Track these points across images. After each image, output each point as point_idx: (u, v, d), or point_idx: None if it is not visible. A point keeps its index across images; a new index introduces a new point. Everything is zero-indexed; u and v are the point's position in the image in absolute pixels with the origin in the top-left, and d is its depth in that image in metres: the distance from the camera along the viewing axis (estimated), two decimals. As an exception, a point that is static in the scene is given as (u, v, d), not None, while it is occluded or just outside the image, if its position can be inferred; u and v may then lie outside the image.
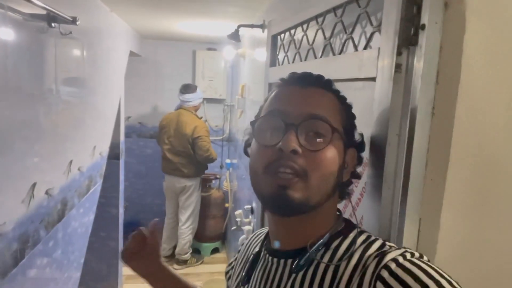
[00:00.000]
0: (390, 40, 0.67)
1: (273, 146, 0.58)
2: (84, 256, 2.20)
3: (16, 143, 1.33)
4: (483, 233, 0.64)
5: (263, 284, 0.65)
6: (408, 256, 0.51)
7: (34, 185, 1.45)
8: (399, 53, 0.65)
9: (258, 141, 0.62)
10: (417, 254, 0.52)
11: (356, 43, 0.88)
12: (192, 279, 3.66)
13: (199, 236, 4.01)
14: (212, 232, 4.09)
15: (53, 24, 1.53)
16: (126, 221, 3.52)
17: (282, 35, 1.35)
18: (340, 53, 0.92)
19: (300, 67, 1.00)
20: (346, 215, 0.74)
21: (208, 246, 4.09)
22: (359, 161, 0.67)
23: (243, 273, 0.72)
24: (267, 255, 0.67)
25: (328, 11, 0.94)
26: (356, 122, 0.66)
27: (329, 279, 0.56)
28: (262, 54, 2.30)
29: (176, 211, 3.82)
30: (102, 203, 2.77)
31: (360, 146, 0.66)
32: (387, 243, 0.57)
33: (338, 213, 0.66)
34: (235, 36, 2.44)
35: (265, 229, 0.76)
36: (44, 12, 1.43)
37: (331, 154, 0.58)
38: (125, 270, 3.53)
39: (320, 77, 0.65)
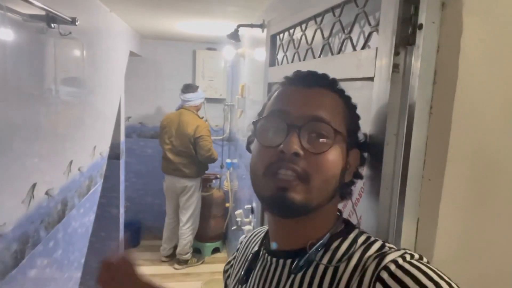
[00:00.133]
0: (388, 40, 0.67)
1: (275, 147, 0.57)
2: (84, 256, 2.21)
3: (15, 143, 1.33)
4: (481, 232, 0.64)
5: (262, 284, 0.64)
6: (408, 257, 0.51)
7: (34, 185, 1.45)
8: (396, 53, 0.65)
9: (259, 141, 0.61)
10: (416, 256, 0.52)
11: (355, 42, 0.88)
12: (193, 279, 3.68)
13: (200, 236, 4.01)
14: (212, 232, 4.09)
15: (52, 25, 1.54)
16: (126, 221, 3.52)
17: (281, 35, 1.35)
18: (338, 53, 0.92)
19: (299, 67, 1.00)
20: (345, 214, 0.74)
21: (209, 246, 4.09)
22: (362, 161, 0.67)
23: (242, 272, 0.71)
24: (266, 254, 0.66)
25: (326, 11, 0.94)
26: (355, 122, 0.66)
27: (328, 280, 0.56)
28: (261, 54, 2.30)
29: (177, 211, 3.82)
30: (103, 203, 2.77)
31: (363, 147, 0.66)
32: (387, 244, 0.57)
33: (338, 213, 0.66)
34: (234, 36, 2.44)
35: (265, 228, 0.76)
36: (43, 12, 1.43)
37: (333, 157, 0.58)
38: (126, 270, 3.53)
39: (325, 76, 0.64)
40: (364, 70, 0.75)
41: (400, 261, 0.50)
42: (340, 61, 0.86)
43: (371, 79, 0.72)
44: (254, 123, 0.64)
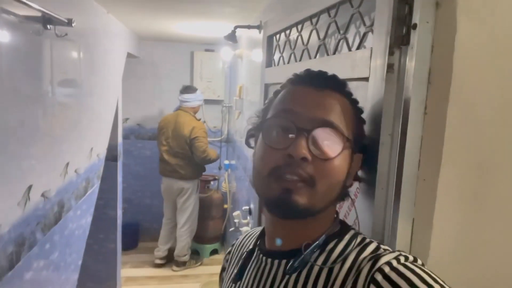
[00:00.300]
0: (382, 40, 0.67)
1: (282, 150, 0.56)
2: (81, 258, 2.20)
3: (11, 145, 1.33)
4: (477, 232, 0.64)
5: (256, 284, 0.64)
6: (402, 259, 0.51)
7: (30, 187, 1.45)
8: (391, 53, 0.65)
9: (266, 141, 0.59)
10: (411, 258, 0.52)
11: (351, 43, 0.88)
12: (191, 280, 3.67)
13: (198, 237, 4.01)
14: (211, 233, 4.08)
15: (48, 26, 1.53)
16: (124, 222, 3.51)
17: (278, 36, 1.35)
18: (334, 53, 0.92)
19: (295, 68, 1.00)
20: (341, 214, 0.74)
21: (207, 248, 4.08)
22: (363, 164, 0.66)
23: (235, 271, 0.71)
24: (261, 254, 0.66)
25: (322, 12, 0.94)
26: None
27: (322, 281, 0.56)
28: (259, 55, 2.30)
29: (174, 213, 3.80)
30: (100, 205, 2.76)
31: (365, 150, 0.65)
32: (382, 246, 0.57)
33: (335, 214, 0.66)
34: (232, 37, 2.44)
35: (260, 228, 0.76)
36: (39, 14, 1.43)
37: (340, 163, 0.57)
38: (124, 272, 3.52)
39: (334, 77, 0.63)
40: (359, 70, 0.75)
41: (395, 263, 0.50)
42: (335, 61, 0.86)
43: (366, 79, 0.72)
44: (262, 122, 0.62)
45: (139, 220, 4.35)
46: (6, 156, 1.29)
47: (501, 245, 0.64)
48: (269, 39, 1.40)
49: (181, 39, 4.00)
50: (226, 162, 4.06)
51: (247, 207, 2.59)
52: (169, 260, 3.87)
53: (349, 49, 0.85)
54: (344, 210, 0.85)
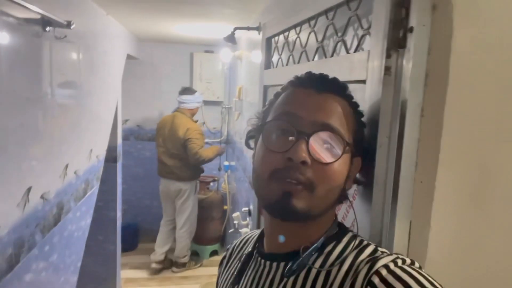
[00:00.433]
0: (380, 42, 0.67)
1: (282, 153, 0.56)
2: (81, 259, 2.20)
3: (10, 147, 1.33)
4: (474, 234, 0.64)
5: (254, 287, 0.64)
6: (400, 262, 0.51)
7: (29, 189, 1.45)
8: (388, 56, 0.65)
9: (266, 144, 0.59)
10: (408, 261, 0.52)
11: (349, 45, 0.88)
12: (191, 281, 3.67)
13: (198, 238, 4.01)
14: (210, 234, 4.08)
15: (47, 28, 1.54)
16: (124, 224, 3.51)
17: (276, 38, 1.35)
18: (332, 56, 0.92)
19: (294, 70, 1.00)
20: (339, 215, 0.74)
21: (206, 249, 4.08)
22: (362, 167, 0.66)
23: (235, 273, 0.71)
24: (259, 257, 0.66)
25: (320, 14, 0.94)
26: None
27: (320, 284, 0.56)
28: (258, 56, 2.30)
29: (173, 215, 3.78)
30: (100, 206, 2.77)
31: (365, 153, 0.65)
32: (379, 248, 0.57)
33: (333, 217, 0.65)
34: (231, 39, 2.44)
35: (258, 231, 0.76)
36: (38, 16, 1.43)
37: (339, 167, 0.57)
38: (124, 273, 3.52)
39: (336, 81, 0.63)
40: (356, 72, 0.76)
41: (392, 266, 0.50)
42: (333, 64, 0.86)
43: (363, 81, 0.72)
44: (263, 124, 0.62)
45: (138, 222, 4.35)
46: (5, 157, 1.30)
47: (498, 246, 0.64)
48: (268, 41, 1.40)
49: (181, 41, 4.00)
50: (226, 163, 4.06)
51: (247, 209, 2.59)
52: (166, 268, 3.80)
53: (347, 52, 0.85)
54: (342, 212, 0.85)
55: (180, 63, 4.33)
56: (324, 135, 0.57)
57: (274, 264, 0.63)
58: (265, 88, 1.41)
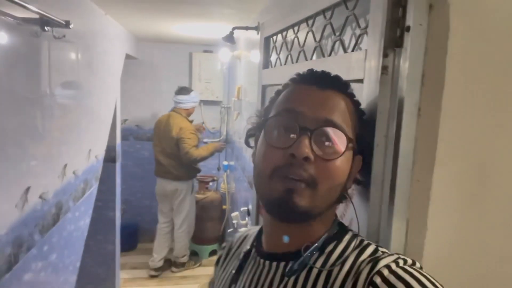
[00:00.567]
0: (377, 42, 0.67)
1: (284, 149, 0.56)
2: (80, 259, 2.20)
3: (8, 147, 1.33)
4: (471, 233, 0.65)
5: (254, 286, 0.63)
6: (401, 263, 0.51)
7: (27, 189, 1.45)
8: (385, 55, 0.65)
9: (267, 140, 0.59)
10: (409, 261, 0.52)
11: (347, 45, 0.89)
12: (190, 281, 3.67)
13: (197, 238, 4.01)
14: (210, 234, 4.08)
15: (46, 28, 1.53)
16: (123, 224, 3.51)
17: (275, 37, 1.35)
18: (330, 55, 0.92)
19: (292, 69, 1.00)
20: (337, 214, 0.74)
21: (206, 249, 4.09)
22: (362, 167, 0.65)
23: (233, 271, 0.70)
24: (258, 256, 0.66)
25: (317, 14, 0.95)
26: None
27: (321, 284, 0.56)
28: (257, 56, 2.30)
29: (169, 216, 3.75)
30: (99, 206, 2.77)
31: (365, 152, 0.64)
32: (380, 248, 0.57)
33: (334, 216, 0.65)
34: (230, 38, 2.44)
35: (256, 227, 0.75)
36: (37, 16, 1.43)
37: (342, 165, 0.57)
38: (123, 274, 3.52)
39: (338, 78, 0.63)
40: (354, 72, 0.76)
41: (393, 266, 0.50)
42: (331, 63, 0.86)
43: (360, 81, 0.72)
44: (264, 120, 0.62)
45: (138, 222, 4.35)
46: (3, 158, 1.30)
47: (495, 245, 0.65)
48: (266, 40, 1.41)
49: (180, 40, 4.00)
50: (225, 163, 4.06)
51: (246, 208, 2.59)
52: (164, 270, 3.78)
53: (345, 51, 0.85)
54: (340, 212, 0.85)
55: (179, 63, 4.32)
56: (327, 131, 0.56)
57: (274, 264, 0.62)
58: (264, 88, 1.42)
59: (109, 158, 2.93)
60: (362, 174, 0.69)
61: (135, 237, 4.28)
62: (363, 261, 0.54)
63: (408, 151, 0.63)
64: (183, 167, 3.57)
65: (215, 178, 4.24)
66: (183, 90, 3.60)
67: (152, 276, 3.70)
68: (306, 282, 0.57)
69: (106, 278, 3.06)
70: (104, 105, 2.65)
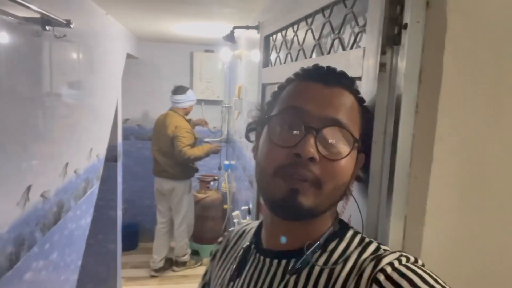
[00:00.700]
0: (375, 39, 0.67)
1: (289, 148, 0.54)
2: (81, 258, 2.21)
3: (10, 146, 1.34)
4: (468, 229, 0.65)
5: (253, 284, 0.63)
6: (404, 260, 0.51)
7: (29, 187, 1.46)
8: (383, 53, 0.66)
9: (272, 138, 0.57)
10: (412, 259, 0.52)
11: (346, 43, 0.89)
12: (192, 280, 3.68)
13: (198, 237, 4.01)
14: (211, 233, 4.09)
15: (47, 27, 1.54)
16: (124, 223, 3.52)
17: (274, 36, 1.35)
18: (329, 53, 0.92)
19: (291, 68, 1.00)
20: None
21: (207, 248, 4.09)
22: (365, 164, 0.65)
23: (233, 268, 0.69)
24: (258, 253, 0.65)
25: (316, 12, 0.95)
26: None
27: (323, 282, 0.55)
28: (257, 55, 2.31)
29: (167, 215, 3.75)
30: (101, 205, 2.77)
31: (368, 150, 0.64)
32: (382, 246, 0.57)
33: (335, 214, 0.65)
34: (230, 38, 2.45)
35: (255, 222, 0.74)
36: (38, 15, 1.44)
37: (347, 164, 0.56)
38: (124, 273, 3.53)
39: (343, 74, 0.61)
40: (352, 69, 0.76)
41: (396, 264, 0.51)
42: (330, 61, 0.87)
43: (359, 78, 0.72)
44: (269, 117, 0.60)
45: (139, 221, 4.36)
46: (5, 156, 1.30)
47: (492, 242, 0.65)
48: (266, 39, 1.41)
49: (181, 40, 4.01)
50: (226, 162, 4.07)
51: (246, 207, 2.60)
52: (166, 269, 3.79)
53: (343, 49, 0.86)
54: (339, 208, 0.85)
55: (180, 62, 4.33)
56: (333, 130, 0.55)
57: (275, 261, 0.61)
58: (264, 87, 1.42)
59: (110, 158, 2.94)
60: (364, 171, 0.69)
61: (136, 236, 4.29)
62: (365, 259, 0.54)
63: (406, 148, 0.64)
64: (179, 166, 3.55)
65: (216, 177, 4.25)
66: (180, 90, 3.59)
67: (153, 276, 3.71)
68: (308, 280, 0.56)
69: (107, 277, 3.07)
70: (105, 104, 2.66)
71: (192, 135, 3.54)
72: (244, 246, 0.70)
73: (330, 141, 0.55)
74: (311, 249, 0.58)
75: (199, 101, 4.36)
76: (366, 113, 0.63)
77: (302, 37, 1.07)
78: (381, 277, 0.49)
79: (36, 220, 1.53)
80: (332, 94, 0.57)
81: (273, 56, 1.37)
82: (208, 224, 4.03)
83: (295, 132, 0.55)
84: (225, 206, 4.03)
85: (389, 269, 0.50)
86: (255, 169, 0.61)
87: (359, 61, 0.72)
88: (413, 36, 0.61)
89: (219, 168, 4.37)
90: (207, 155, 3.57)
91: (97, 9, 2.39)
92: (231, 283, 0.67)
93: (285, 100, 0.60)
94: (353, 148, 0.56)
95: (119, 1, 2.28)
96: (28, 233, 1.47)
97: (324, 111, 0.55)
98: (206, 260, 4.04)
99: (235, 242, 0.76)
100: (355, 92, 0.61)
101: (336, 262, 0.56)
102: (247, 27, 2.24)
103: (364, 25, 0.73)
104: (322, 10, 0.92)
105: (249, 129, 0.67)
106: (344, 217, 0.77)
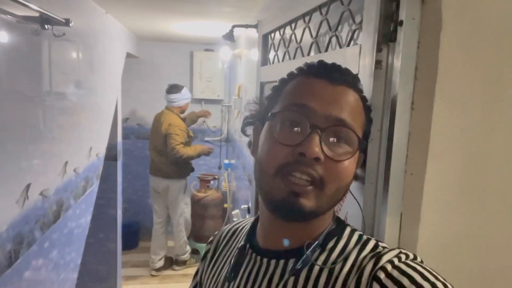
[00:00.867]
0: (371, 37, 0.67)
1: (292, 146, 0.53)
2: (81, 257, 2.21)
3: (9, 144, 1.34)
4: (463, 226, 0.65)
5: (250, 285, 0.61)
6: (403, 258, 0.52)
7: (28, 186, 1.46)
8: (379, 50, 0.66)
9: (275, 136, 0.55)
10: (411, 256, 0.53)
11: (344, 40, 0.89)
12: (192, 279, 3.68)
13: (198, 236, 4.02)
14: (211, 232, 4.06)
15: (46, 26, 1.54)
16: (125, 222, 3.52)
17: (273, 34, 1.35)
18: (326, 51, 0.93)
19: (289, 66, 1.00)
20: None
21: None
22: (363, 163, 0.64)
23: (228, 268, 0.67)
24: (254, 253, 0.63)
25: (314, 10, 0.95)
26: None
27: (323, 281, 0.55)
28: (256, 54, 2.31)
29: (163, 215, 3.74)
30: (101, 204, 2.78)
31: (366, 149, 0.63)
32: (380, 243, 0.57)
33: (334, 212, 0.64)
34: (229, 37, 2.45)
35: (249, 220, 0.73)
36: (37, 14, 1.44)
37: (350, 165, 0.55)
38: (124, 272, 3.54)
39: (349, 72, 0.60)
40: (349, 67, 0.75)
41: (396, 261, 0.51)
42: (327, 59, 0.86)
43: (355, 75, 0.73)
44: (273, 114, 0.57)
45: (139, 220, 4.37)
46: (4, 155, 1.31)
47: (487, 237, 0.65)
48: (264, 37, 1.41)
49: (181, 39, 4.01)
50: (226, 161, 4.07)
51: (246, 206, 2.60)
52: (166, 268, 3.78)
53: (340, 47, 0.86)
54: (336, 207, 0.86)
55: (180, 61, 4.33)
56: (338, 130, 0.54)
57: (273, 261, 0.60)
58: (262, 85, 1.42)
59: (111, 157, 2.94)
60: (362, 169, 0.68)
61: (136, 235, 4.30)
62: (365, 257, 0.54)
63: (402, 145, 0.64)
64: (174, 165, 3.52)
65: (216, 176, 4.25)
66: (174, 89, 3.57)
67: (153, 275, 3.71)
68: (308, 280, 0.56)
69: (107, 276, 3.07)
70: (105, 103, 2.66)
71: (186, 133, 3.51)
72: (239, 246, 0.67)
73: (334, 141, 0.54)
74: (311, 248, 0.57)
75: (199, 100, 4.37)
76: (369, 113, 0.61)
77: (300, 35, 1.07)
78: (382, 275, 0.49)
79: (35, 218, 1.54)
80: (338, 93, 0.56)
81: (271, 54, 1.37)
82: (208, 223, 4.04)
83: (299, 130, 0.54)
84: (225, 205, 4.03)
85: (389, 267, 0.50)
86: (255, 166, 0.59)
87: (356, 58, 0.73)
88: (408, 32, 0.61)
89: (219, 167, 4.37)
90: (198, 156, 3.54)
91: (96, 8, 2.39)
92: (227, 283, 0.65)
93: (289, 96, 0.58)
94: (357, 148, 0.55)
95: (118, 0, 2.28)
96: (28, 231, 1.47)
97: (330, 110, 0.54)
98: (206, 259, 4.04)
99: (227, 241, 0.74)
100: (360, 91, 0.59)
101: (335, 261, 0.56)
102: (246, 26, 2.24)
103: (361, 22, 0.73)
104: (319, 7, 0.92)
105: (246, 123, 0.66)
106: (341, 215, 0.78)
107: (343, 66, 0.77)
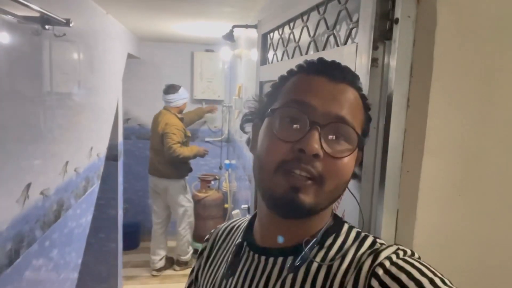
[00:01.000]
0: (367, 35, 0.68)
1: (292, 143, 0.53)
2: (81, 257, 2.22)
3: (9, 144, 1.35)
4: (459, 223, 0.65)
5: (248, 283, 0.61)
6: (401, 254, 0.52)
7: (28, 185, 1.47)
8: (375, 48, 0.66)
9: (274, 132, 0.55)
10: (409, 252, 0.53)
11: (342, 39, 0.89)
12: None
13: (199, 237, 4.02)
14: (211, 233, 4.09)
15: (47, 26, 1.55)
16: (126, 222, 3.53)
17: (272, 34, 1.36)
18: (323, 49, 0.93)
19: (287, 65, 1.01)
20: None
21: (208, 247, 4.09)
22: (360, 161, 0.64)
23: (226, 266, 0.67)
24: (251, 251, 0.63)
25: (311, 9, 0.95)
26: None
27: (322, 278, 0.55)
28: (256, 54, 2.31)
29: (163, 215, 3.74)
30: (101, 204, 2.78)
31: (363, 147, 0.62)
32: (378, 239, 0.57)
33: (331, 209, 0.64)
34: (229, 37, 2.46)
35: (246, 218, 0.73)
36: (37, 14, 1.45)
37: (349, 162, 0.55)
38: (125, 272, 3.54)
39: (349, 70, 0.60)
40: (346, 65, 0.76)
41: (394, 258, 0.51)
42: (325, 57, 0.87)
43: (352, 74, 0.73)
44: (272, 110, 0.57)
45: (140, 220, 4.37)
46: (4, 154, 1.31)
47: (483, 234, 0.65)
48: (264, 37, 1.42)
49: (181, 40, 4.02)
50: (227, 161, 4.07)
51: (246, 206, 2.60)
52: (167, 268, 3.79)
53: (337, 45, 0.86)
54: (333, 204, 0.86)
55: (181, 62, 4.34)
56: (338, 127, 0.54)
57: (271, 259, 0.60)
58: (261, 84, 1.43)
59: (111, 157, 2.95)
60: (359, 168, 0.69)
61: (137, 235, 4.30)
62: (363, 253, 0.54)
63: (398, 142, 0.64)
64: (171, 164, 3.51)
65: (216, 177, 4.26)
66: (171, 89, 3.57)
67: (154, 275, 3.72)
68: (306, 277, 0.56)
69: (108, 276, 3.08)
70: (105, 103, 2.67)
71: (183, 133, 3.51)
72: (236, 244, 0.67)
73: (334, 138, 0.54)
74: (309, 245, 0.57)
75: (200, 101, 4.37)
76: (367, 110, 0.61)
77: (298, 34, 1.07)
78: (380, 271, 0.50)
79: (36, 217, 1.54)
80: (338, 91, 0.56)
81: (270, 53, 1.38)
82: (209, 224, 4.04)
83: (299, 127, 0.54)
84: (226, 206, 4.03)
85: (387, 263, 0.50)
86: (254, 164, 0.59)
87: (352, 56, 0.73)
88: (404, 30, 0.62)
89: (220, 168, 4.38)
90: (194, 156, 3.54)
91: (97, 8, 2.40)
92: (224, 281, 0.65)
93: (289, 93, 0.58)
94: (357, 146, 0.55)
95: (119, 0, 2.29)
96: (28, 230, 1.48)
97: (329, 107, 0.54)
98: (207, 259, 4.04)
99: (224, 240, 0.74)
100: (359, 89, 0.59)
101: (333, 258, 0.56)
102: (246, 26, 2.25)
103: (357, 21, 0.74)
104: (317, 6, 0.92)
105: (245, 120, 0.66)
106: (338, 213, 0.78)
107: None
